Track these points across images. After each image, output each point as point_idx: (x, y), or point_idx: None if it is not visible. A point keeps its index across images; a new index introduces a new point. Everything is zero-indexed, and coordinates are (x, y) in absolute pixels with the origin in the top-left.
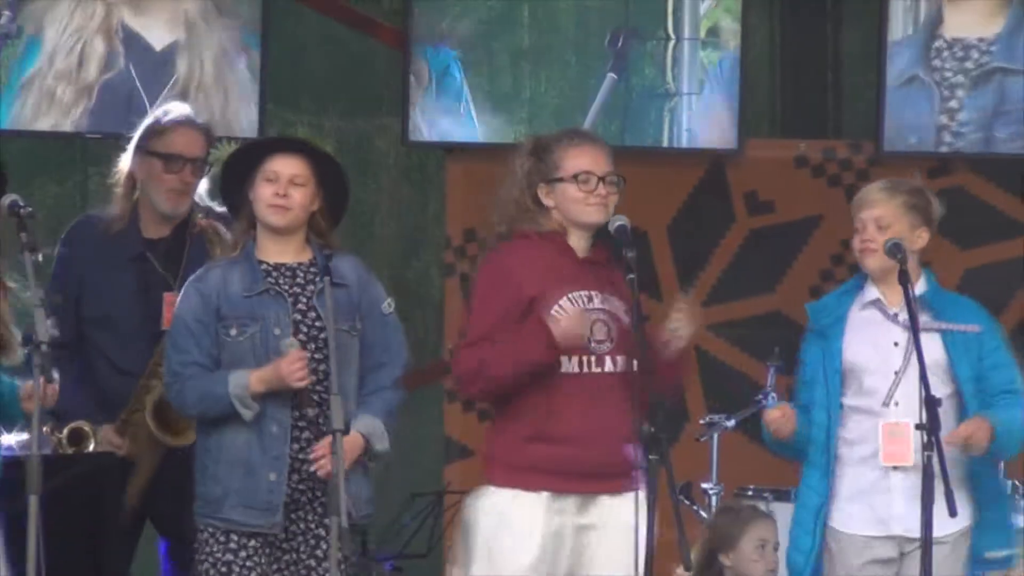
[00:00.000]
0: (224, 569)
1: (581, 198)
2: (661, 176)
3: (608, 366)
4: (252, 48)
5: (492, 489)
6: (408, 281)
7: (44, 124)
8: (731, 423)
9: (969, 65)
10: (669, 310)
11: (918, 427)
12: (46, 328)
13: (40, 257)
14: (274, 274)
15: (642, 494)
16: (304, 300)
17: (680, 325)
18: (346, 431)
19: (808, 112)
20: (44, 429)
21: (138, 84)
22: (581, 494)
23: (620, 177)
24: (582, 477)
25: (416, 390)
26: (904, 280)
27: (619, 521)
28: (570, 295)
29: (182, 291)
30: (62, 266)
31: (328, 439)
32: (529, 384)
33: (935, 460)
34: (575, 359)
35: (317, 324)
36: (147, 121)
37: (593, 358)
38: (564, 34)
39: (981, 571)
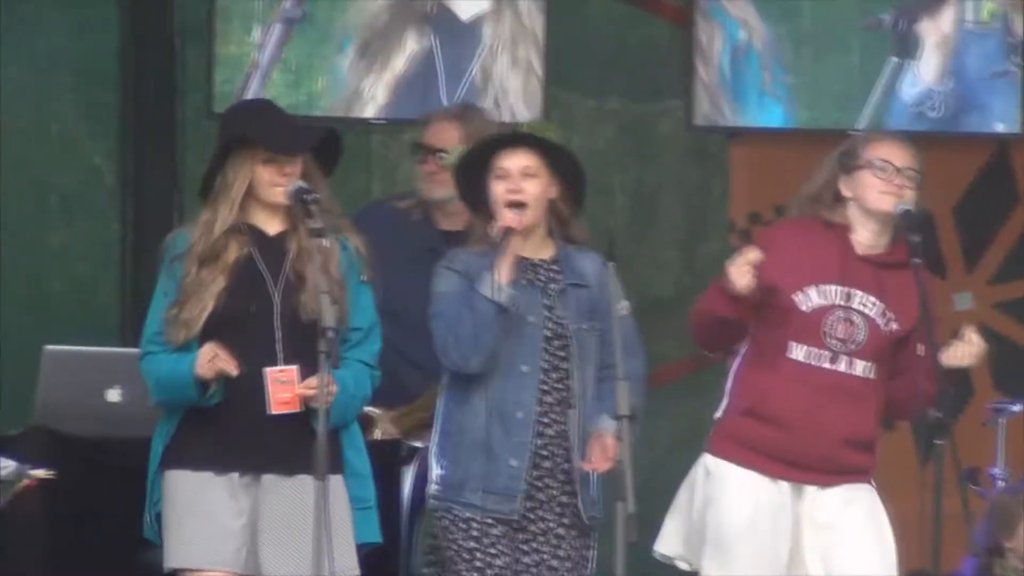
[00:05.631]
0: (467, 556)
1: (877, 185)
2: (947, 159)
3: (842, 366)
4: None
5: (707, 456)
6: (695, 263)
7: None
8: (1017, 407)
9: None
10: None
11: None
12: (332, 314)
13: (327, 243)
14: (519, 266)
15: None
16: (549, 297)
17: (963, 351)
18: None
19: None
20: None
21: (440, 61)
22: (790, 481)
23: (919, 173)
24: (788, 465)
25: (697, 372)
26: None
27: (848, 520)
28: (820, 286)
29: (438, 274)
30: None
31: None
32: (729, 341)
33: None
34: (803, 347)
35: (562, 322)
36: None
37: (826, 354)
38: (846, 17)
39: None
